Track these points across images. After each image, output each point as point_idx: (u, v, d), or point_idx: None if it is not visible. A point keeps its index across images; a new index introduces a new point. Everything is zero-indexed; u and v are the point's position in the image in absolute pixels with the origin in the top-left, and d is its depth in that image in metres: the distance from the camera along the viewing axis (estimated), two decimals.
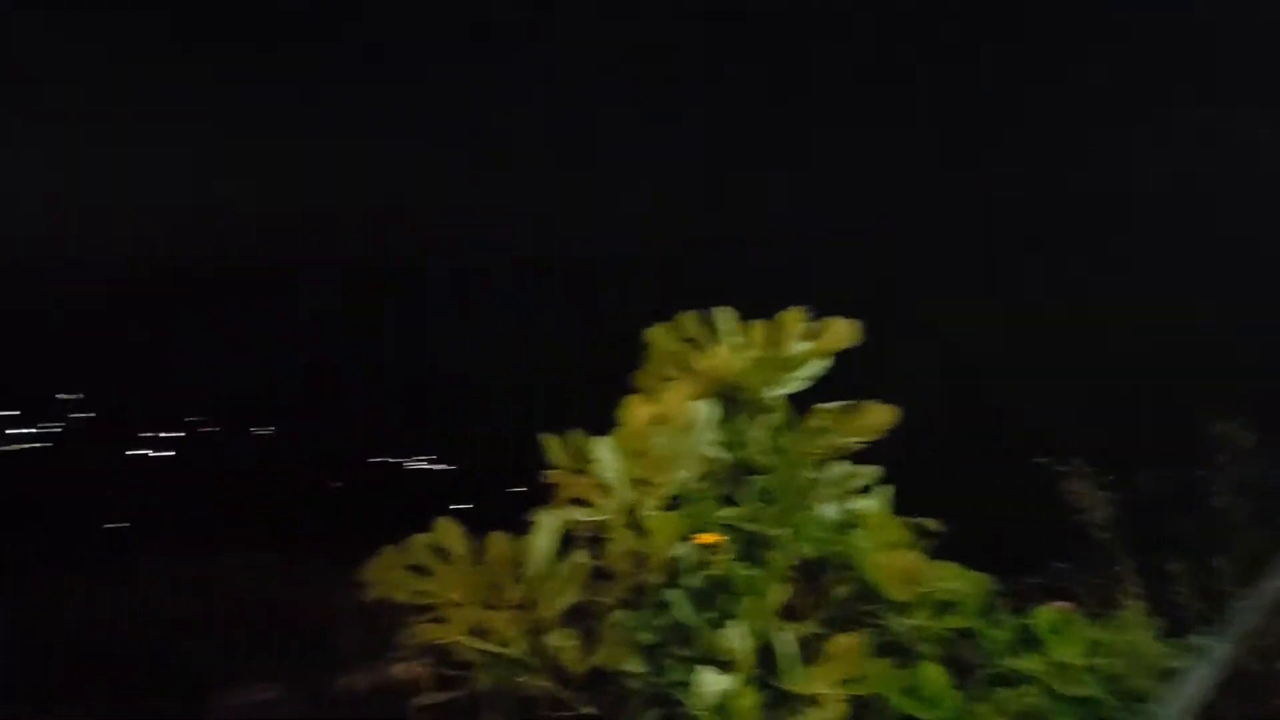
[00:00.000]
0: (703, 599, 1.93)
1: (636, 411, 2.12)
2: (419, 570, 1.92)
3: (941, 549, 2.74)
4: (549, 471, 2.16)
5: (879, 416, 2.51)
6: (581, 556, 2.10)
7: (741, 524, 2.29)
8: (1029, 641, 2.57)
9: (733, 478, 2.48)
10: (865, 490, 2.74)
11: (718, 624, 1.79)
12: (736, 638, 1.76)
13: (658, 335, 2.56)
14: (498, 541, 1.87)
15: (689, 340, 2.56)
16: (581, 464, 2.13)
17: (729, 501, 2.47)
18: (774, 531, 2.35)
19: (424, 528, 1.98)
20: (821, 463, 2.57)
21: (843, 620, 2.39)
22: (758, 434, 2.50)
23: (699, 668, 1.73)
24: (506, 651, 1.91)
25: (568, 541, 2.19)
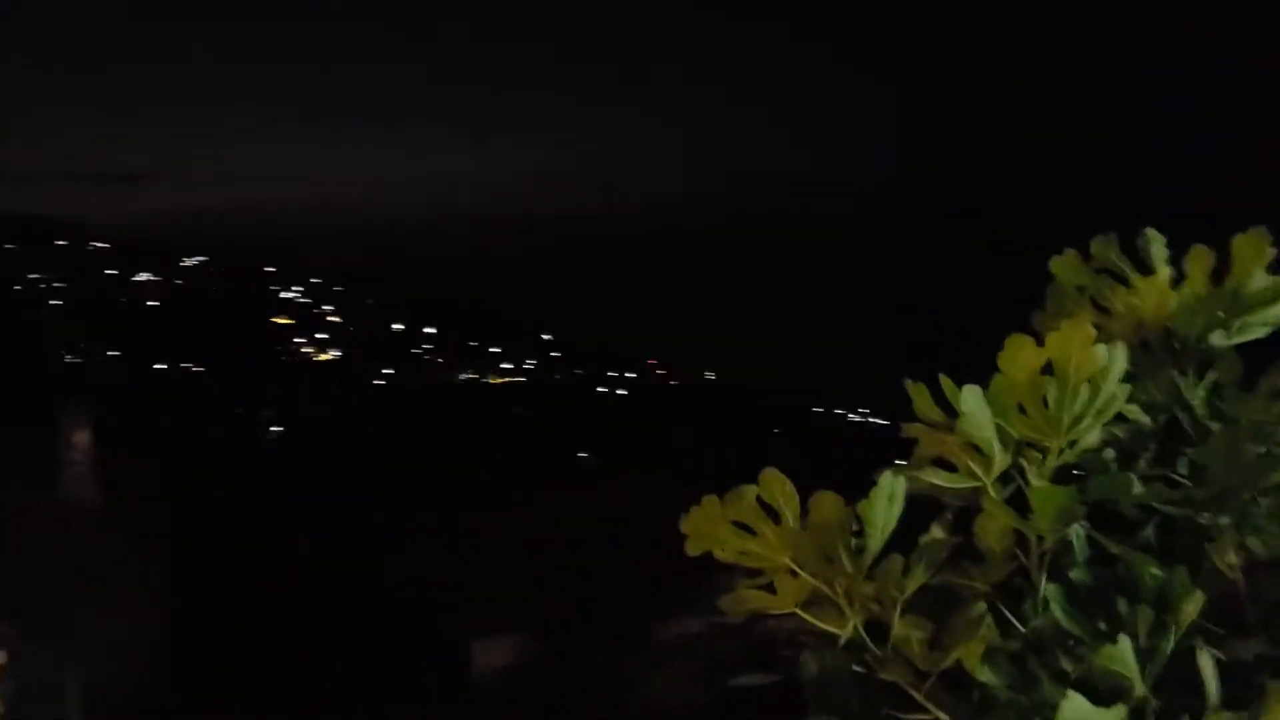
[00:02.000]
0: (1094, 600, 1.50)
1: (1022, 355, 1.70)
2: (743, 527, 1.67)
3: None
4: (910, 425, 1.80)
5: None
6: (941, 530, 1.74)
7: (1162, 507, 1.80)
8: None
9: (1155, 447, 1.97)
10: None
11: (1107, 635, 1.36)
12: (1124, 656, 1.32)
13: (1064, 266, 2.08)
14: (827, 502, 1.56)
15: (1105, 271, 2.06)
16: (950, 418, 1.75)
17: (1148, 478, 1.96)
18: (1206, 520, 1.82)
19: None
20: None
21: None
22: (1195, 393, 1.96)
23: (1070, 690, 1.32)
24: (841, 633, 1.60)
25: (932, 511, 1.83)
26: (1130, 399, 2.12)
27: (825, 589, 1.65)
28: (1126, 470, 2.03)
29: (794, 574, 1.67)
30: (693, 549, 1.71)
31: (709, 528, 1.69)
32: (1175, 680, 1.44)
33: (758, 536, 1.67)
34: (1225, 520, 1.93)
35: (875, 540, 1.59)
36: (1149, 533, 1.90)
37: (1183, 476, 1.97)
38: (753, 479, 1.68)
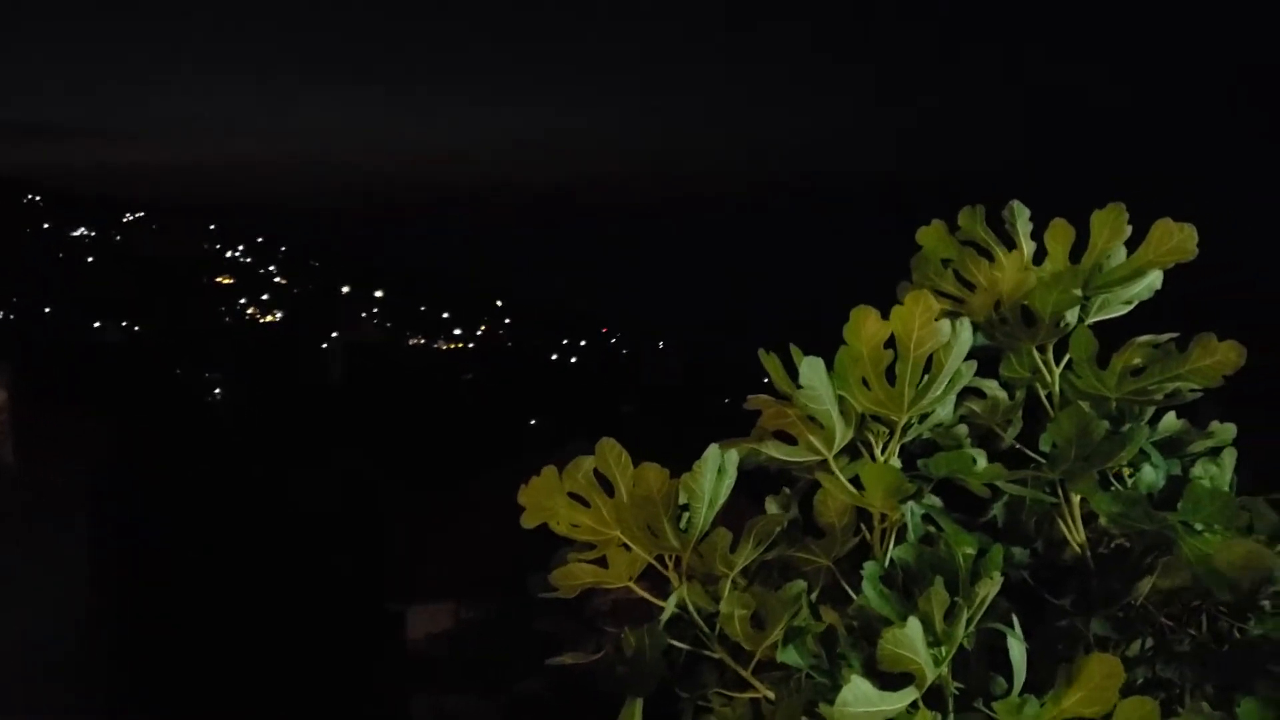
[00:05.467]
0: (913, 580, 1.47)
1: (867, 328, 1.67)
2: (578, 499, 1.62)
3: None
4: (755, 397, 1.76)
5: (1224, 356, 1.85)
6: (777, 506, 1.71)
7: (1005, 486, 1.78)
8: None
9: (1006, 424, 1.95)
10: (1214, 454, 2.10)
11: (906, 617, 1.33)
12: (911, 639, 1.29)
13: (930, 237, 2.04)
14: (650, 474, 1.52)
15: (970, 244, 2.02)
16: (794, 389, 1.71)
17: (1003, 454, 1.94)
18: (1051, 499, 1.81)
19: None
20: (1141, 412, 1.97)
21: (1139, 622, 1.81)
22: (1052, 370, 1.94)
23: (854, 675, 1.29)
24: (666, 609, 1.56)
25: (774, 484, 1.80)
26: (991, 374, 2.11)
27: (657, 564, 1.60)
28: (985, 446, 2.02)
29: (627, 548, 1.63)
30: (529, 522, 1.66)
31: (545, 500, 1.64)
32: (985, 661, 1.41)
33: (591, 509, 1.62)
34: (1075, 498, 1.93)
35: (702, 514, 1.55)
36: (998, 510, 1.89)
37: (1041, 454, 1.96)
38: (699, 446, 1.63)
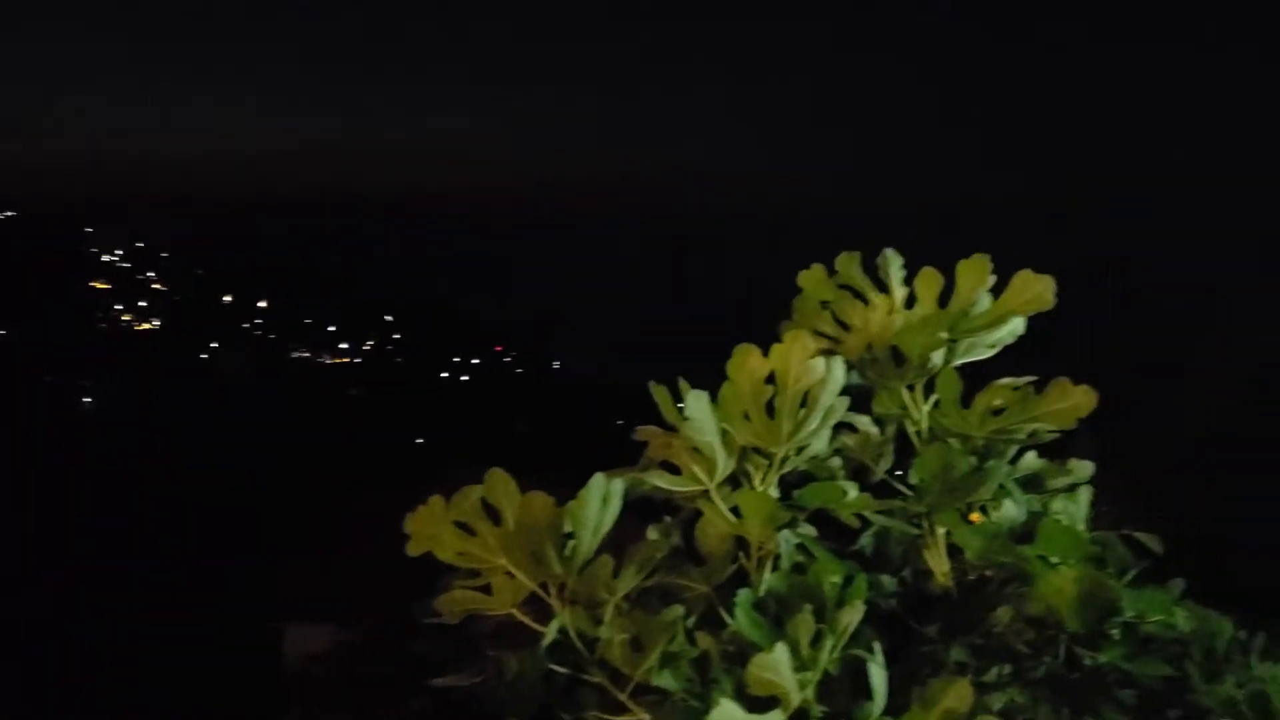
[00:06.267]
0: (784, 607, 1.54)
1: (749, 364, 1.74)
2: (464, 528, 1.65)
3: (1170, 576, 2.20)
4: (643, 428, 1.82)
5: (1078, 400, 1.99)
6: (658, 534, 1.77)
7: (873, 517, 1.87)
8: (1259, 707, 1.99)
9: (878, 457, 2.05)
10: (1071, 490, 2.24)
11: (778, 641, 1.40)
12: (776, 664, 1.36)
13: (810, 279, 2.14)
14: (536, 503, 1.56)
15: (847, 287, 2.13)
16: (681, 420, 1.77)
17: (874, 487, 2.04)
18: (916, 530, 1.91)
19: None
20: (1003, 451, 2.09)
21: (997, 650, 1.93)
22: (919, 408, 2.05)
23: (722, 698, 1.36)
24: (548, 635, 1.60)
25: (656, 512, 1.86)
26: (865, 411, 2.21)
27: (540, 591, 1.64)
28: (859, 478, 2.12)
29: (511, 575, 1.66)
30: (414, 550, 1.68)
31: (430, 528, 1.67)
32: (849, 686, 1.49)
33: (477, 537, 1.65)
34: (940, 530, 2.04)
35: (586, 541, 1.60)
36: (867, 540, 1.98)
37: (910, 486, 2.06)
38: (590, 471, 1.67)
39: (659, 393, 1.81)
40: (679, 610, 1.57)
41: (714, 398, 1.79)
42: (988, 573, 2.06)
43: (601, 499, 1.60)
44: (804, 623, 1.41)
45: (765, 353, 1.80)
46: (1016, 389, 2.03)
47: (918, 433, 2.05)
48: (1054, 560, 2.00)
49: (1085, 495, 2.21)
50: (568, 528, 1.62)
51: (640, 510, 1.84)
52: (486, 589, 1.68)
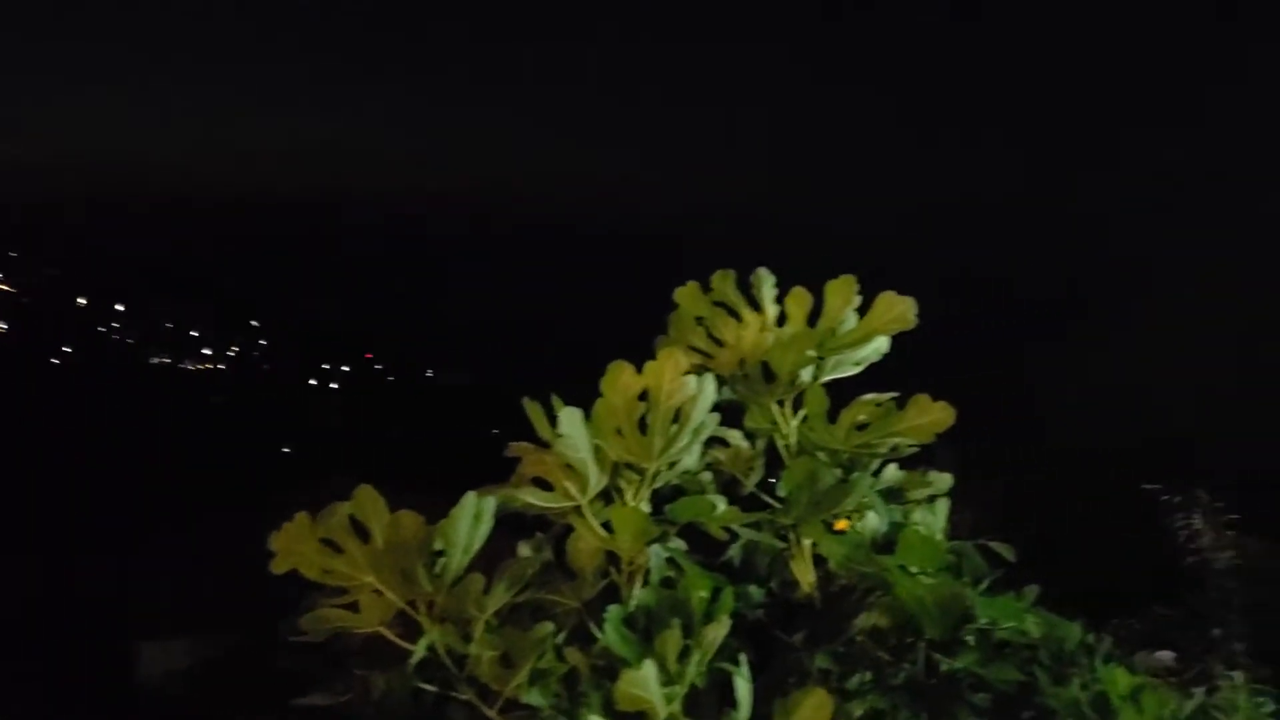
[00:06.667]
0: (652, 622, 1.57)
1: (622, 381, 1.76)
2: (332, 545, 1.62)
3: (1025, 583, 2.30)
4: (516, 445, 1.82)
5: (936, 415, 2.07)
6: (530, 550, 1.77)
7: (741, 530, 1.91)
8: (1101, 707, 2.11)
9: (748, 471, 2.10)
10: (931, 501, 2.33)
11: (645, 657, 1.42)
12: (643, 680, 1.38)
13: (686, 296, 2.18)
14: (406, 521, 1.55)
15: (721, 305, 2.17)
16: (554, 436, 1.78)
17: (743, 499, 2.09)
18: (781, 543, 1.96)
19: None
20: (867, 464, 2.16)
21: (859, 657, 1.99)
22: (788, 424, 2.11)
23: (593, 716, 1.37)
24: (416, 653, 1.59)
25: (529, 529, 1.86)
26: (737, 425, 2.26)
27: (409, 609, 1.63)
28: (729, 492, 2.16)
29: (379, 593, 1.64)
30: (279, 567, 1.65)
31: (296, 545, 1.64)
32: (716, 698, 1.52)
33: (344, 555, 1.63)
34: (806, 541, 2.10)
35: (456, 559, 1.59)
36: (735, 552, 2.02)
37: (778, 499, 2.11)
38: (466, 484, 1.65)
39: (532, 409, 1.81)
40: (549, 627, 1.58)
41: (588, 414, 1.80)
42: (851, 582, 2.13)
43: (473, 517, 1.59)
44: (672, 638, 1.43)
45: (640, 369, 1.82)
46: (879, 405, 2.10)
47: (786, 446, 2.11)
48: (913, 570, 2.07)
49: (943, 506, 2.30)
50: (438, 545, 1.60)
51: (514, 525, 1.84)
52: (354, 606, 1.66)
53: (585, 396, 1.85)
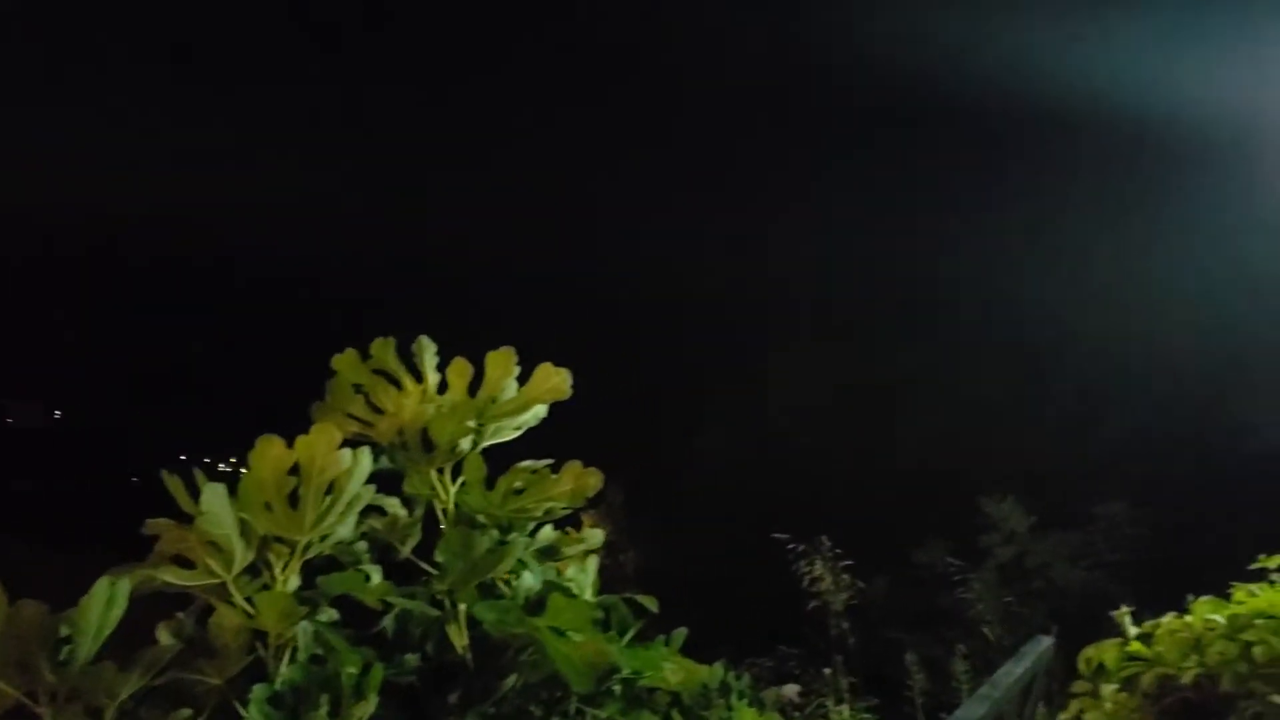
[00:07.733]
0: (300, 699, 1.56)
1: (271, 455, 1.74)
2: None
3: (668, 628, 2.47)
4: (154, 521, 1.74)
5: (586, 480, 2.20)
6: (169, 635, 1.70)
7: (396, 601, 1.93)
8: None
9: (405, 538, 2.13)
10: (584, 557, 2.45)
11: None
12: None
13: (344, 363, 2.18)
14: (26, 612, 1.45)
15: (381, 373, 2.19)
16: (196, 512, 1.72)
17: (400, 567, 2.11)
18: (435, 613, 2.00)
19: None
20: (524, 527, 2.25)
21: (512, 714, 2.06)
22: (445, 489, 2.16)
23: None
24: None
25: (168, 607, 1.79)
26: (395, 492, 2.28)
27: (27, 700, 1.52)
28: (385, 558, 2.17)
29: None
30: None
31: None
32: None
33: None
34: (462, 606, 2.15)
35: (86, 647, 1.50)
36: (389, 622, 2.04)
37: (435, 564, 2.15)
38: (102, 538, 1.51)
39: (173, 484, 1.75)
40: (186, 713, 1.52)
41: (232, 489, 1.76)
42: (505, 642, 2.20)
43: (105, 603, 1.51)
44: (319, 717, 1.43)
45: (284, 433, 1.81)
46: (535, 471, 2.20)
47: (445, 511, 2.15)
48: (563, 629, 2.17)
49: (594, 562, 2.43)
50: (65, 632, 1.51)
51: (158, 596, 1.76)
52: None
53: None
